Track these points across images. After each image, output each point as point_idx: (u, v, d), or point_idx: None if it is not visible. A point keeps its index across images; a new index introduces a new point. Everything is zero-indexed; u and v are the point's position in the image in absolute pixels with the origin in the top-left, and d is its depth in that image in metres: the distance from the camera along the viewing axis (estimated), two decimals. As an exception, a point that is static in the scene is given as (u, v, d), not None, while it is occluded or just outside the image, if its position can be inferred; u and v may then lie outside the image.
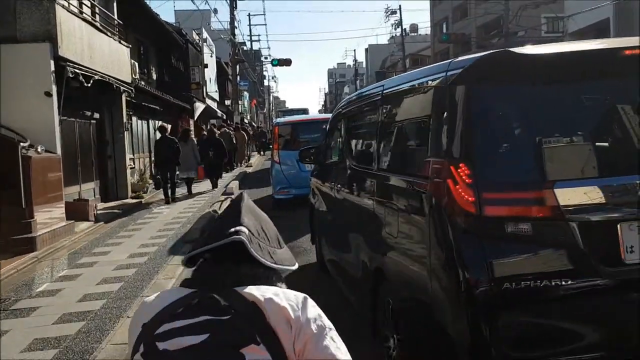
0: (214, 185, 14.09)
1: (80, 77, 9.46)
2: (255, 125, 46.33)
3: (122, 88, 12.26)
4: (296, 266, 1.34)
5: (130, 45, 13.32)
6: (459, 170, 2.41)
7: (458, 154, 2.47)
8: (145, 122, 16.95)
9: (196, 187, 13.92)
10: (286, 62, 31.18)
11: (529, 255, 2.37)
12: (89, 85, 10.04)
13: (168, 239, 8.23)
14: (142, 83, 16.90)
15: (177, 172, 12.82)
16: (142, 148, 16.35)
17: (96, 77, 10.36)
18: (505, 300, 2.32)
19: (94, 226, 9.56)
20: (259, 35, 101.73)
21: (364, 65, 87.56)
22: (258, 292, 1.18)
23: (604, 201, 2.39)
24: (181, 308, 1.17)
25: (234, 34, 33.02)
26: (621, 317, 2.40)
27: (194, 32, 24.77)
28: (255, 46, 53.62)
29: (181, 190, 13.22)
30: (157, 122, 17.96)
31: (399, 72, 58.44)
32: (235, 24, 33.89)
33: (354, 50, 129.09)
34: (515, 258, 2.38)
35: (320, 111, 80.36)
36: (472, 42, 41.30)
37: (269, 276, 1.25)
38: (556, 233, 2.38)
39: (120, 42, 12.42)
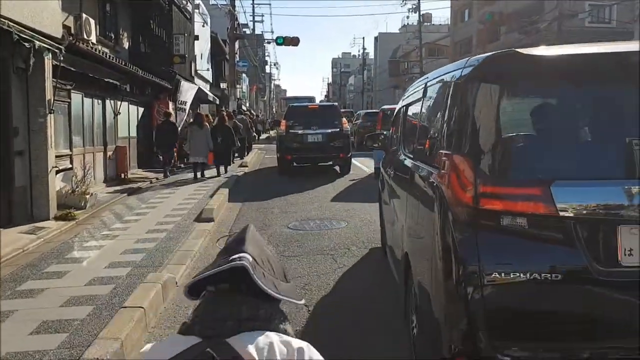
0: (218, 173, 14.10)
1: None
2: (255, 115, 41.62)
3: (37, 44, 7.52)
4: (302, 301, 1.31)
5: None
6: (461, 163, 2.55)
7: (463, 148, 2.60)
8: (100, 101, 12.20)
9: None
10: (293, 41, 27.10)
11: (522, 248, 2.43)
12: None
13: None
14: (106, 50, 12.26)
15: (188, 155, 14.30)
16: (92, 139, 11.60)
17: (-36, 12, 5.65)
18: (493, 289, 2.38)
19: None
20: (262, 15, 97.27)
21: (371, 56, 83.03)
22: (254, 347, 1.14)
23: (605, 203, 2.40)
24: None
25: (233, 5, 28.25)
26: (610, 316, 2.44)
27: (182, -7, 19.86)
28: (258, 29, 48.96)
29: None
30: (118, 102, 13.24)
31: (412, 62, 54.36)
32: (236, -6, 29.13)
33: (363, 38, 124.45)
34: (508, 250, 2.45)
35: (322, 101, 76.49)
36: (501, 29, 36.87)
37: (271, 317, 1.21)
38: (552, 230, 2.42)
39: (38, -32, 7.65)
